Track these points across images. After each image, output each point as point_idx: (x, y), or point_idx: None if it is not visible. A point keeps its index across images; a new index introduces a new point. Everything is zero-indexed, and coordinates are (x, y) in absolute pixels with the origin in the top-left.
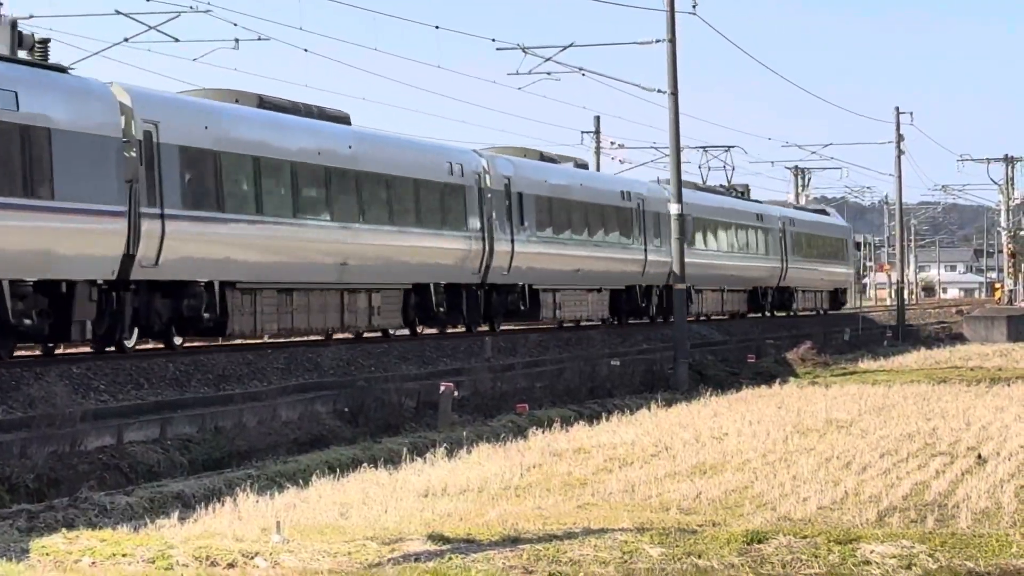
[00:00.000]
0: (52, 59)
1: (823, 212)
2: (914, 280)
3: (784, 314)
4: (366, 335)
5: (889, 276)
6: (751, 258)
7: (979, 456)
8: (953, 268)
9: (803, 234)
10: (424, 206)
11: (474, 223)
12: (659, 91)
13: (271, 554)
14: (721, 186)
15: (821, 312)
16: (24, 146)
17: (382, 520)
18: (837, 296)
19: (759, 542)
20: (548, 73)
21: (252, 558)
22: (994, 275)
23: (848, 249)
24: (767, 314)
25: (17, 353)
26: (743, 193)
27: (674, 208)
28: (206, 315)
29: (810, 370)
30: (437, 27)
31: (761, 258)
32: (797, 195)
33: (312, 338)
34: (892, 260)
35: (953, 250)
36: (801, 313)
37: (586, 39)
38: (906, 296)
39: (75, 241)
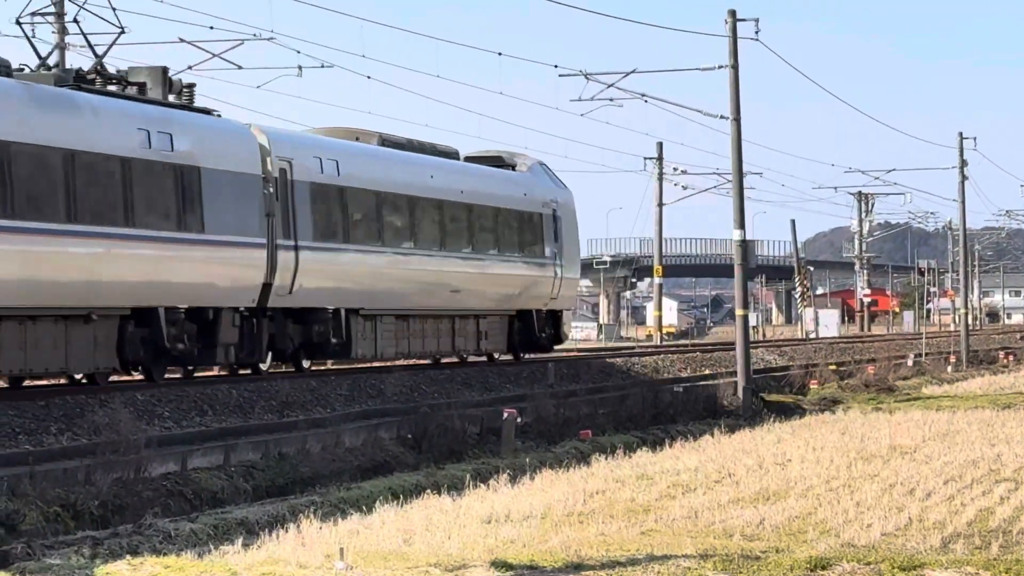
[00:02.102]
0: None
1: (498, 162)
2: (978, 306)
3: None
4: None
5: (953, 302)
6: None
7: None
8: (1017, 294)
9: (378, 195)
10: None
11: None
12: (722, 117)
13: None
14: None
15: (493, 359)
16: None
17: (445, 546)
18: (532, 325)
19: (823, 568)
20: (611, 99)
21: None
22: None
23: (551, 234)
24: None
25: (84, 379)
26: (143, 86)
27: (737, 234)
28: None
29: (874, 396)
30: (500, 54)
31: (151, 242)
32: (860, 221)
33: (375, 364)
34: (956, 286)
35: (1018, 275)
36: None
37: (648, 65)
38: (970, 322)
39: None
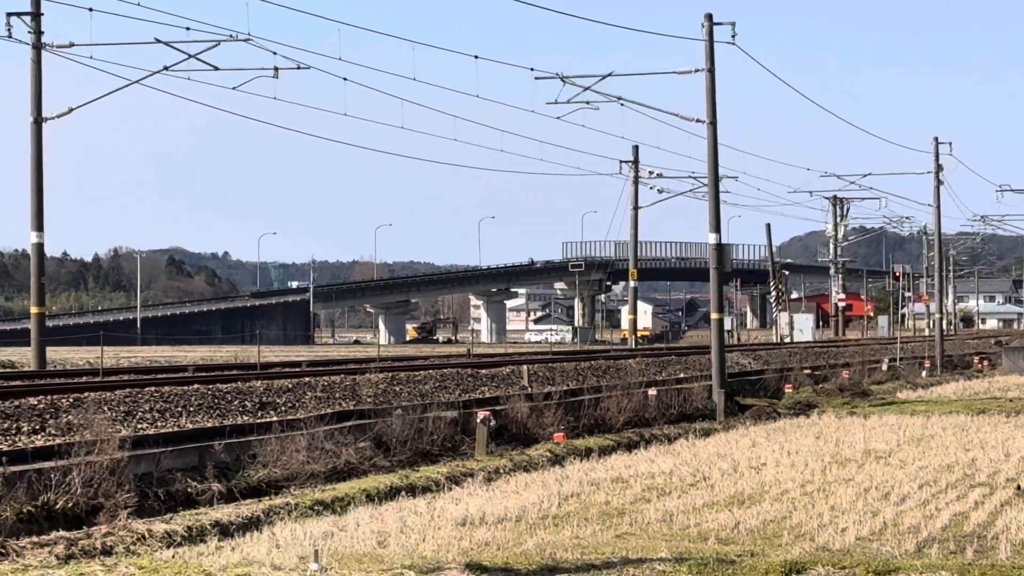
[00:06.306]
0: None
1: None
2: (953, 311)
3: None
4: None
5: (927, 307)
6: None
7: (1019, 487)
8: (992, 299)
9: None
10: None
11: None
12: (698, 120)
13: None
14: None
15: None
16: None
17: (420, 549)
18: None
19: (797, 573)
20: (587, 102)
21: None
22: None
23: None
24: None
25: (57, 380)
26: None
27: (712, 238)
28: None
29: (848, 400)
30: (476, 57)
31: None
32: (835, 225)
33: (350, 366)
34: (931, 291)
35: (992, 280)
36: None
37: (625, 68)
38: (945, 327)
39: None
